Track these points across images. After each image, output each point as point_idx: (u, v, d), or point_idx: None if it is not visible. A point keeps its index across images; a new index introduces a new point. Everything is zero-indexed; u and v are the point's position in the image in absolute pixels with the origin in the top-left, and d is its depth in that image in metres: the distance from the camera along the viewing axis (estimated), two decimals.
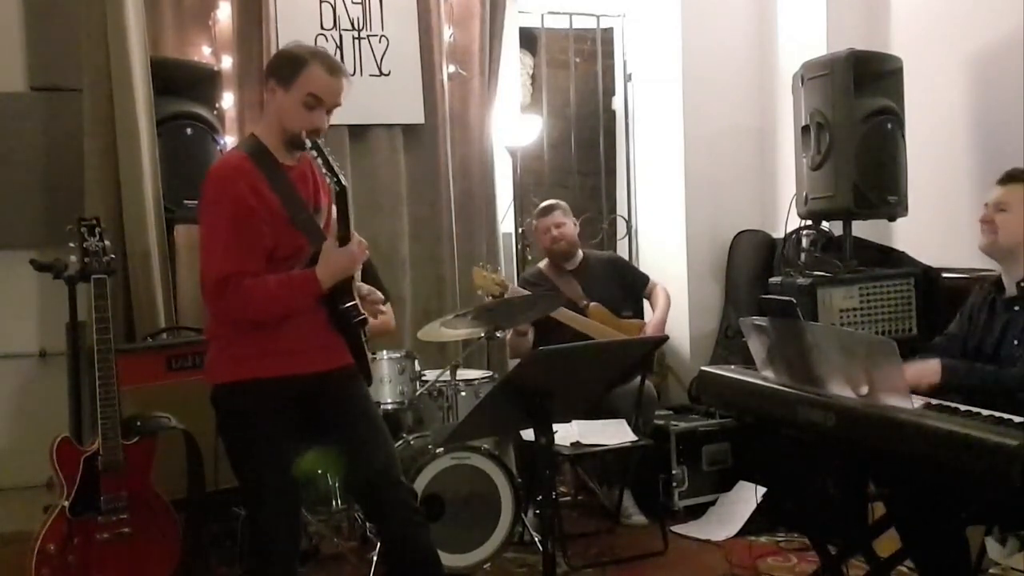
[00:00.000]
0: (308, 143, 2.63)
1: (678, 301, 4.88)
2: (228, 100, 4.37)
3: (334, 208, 2.74)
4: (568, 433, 3.95)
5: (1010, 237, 2.93)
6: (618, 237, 5.66)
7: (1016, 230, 2.91)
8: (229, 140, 4.18)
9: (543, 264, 4.76)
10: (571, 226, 4.67)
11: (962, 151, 4.36)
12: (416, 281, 4.79)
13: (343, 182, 2.62)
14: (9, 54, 4.21)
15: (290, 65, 2.70)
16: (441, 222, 4.81)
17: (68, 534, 3.21)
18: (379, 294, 2.95)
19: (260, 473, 2.70)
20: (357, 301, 2.74)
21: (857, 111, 4.11)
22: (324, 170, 2.62)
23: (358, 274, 2.84)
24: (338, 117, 4.59)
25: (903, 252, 4.41)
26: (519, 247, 5.15)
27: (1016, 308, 2.95)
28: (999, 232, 2.95)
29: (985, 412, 2.47)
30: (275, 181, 2.67)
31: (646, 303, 4.77)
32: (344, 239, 2.65)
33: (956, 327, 3.15)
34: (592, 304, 4.53)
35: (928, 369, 2.88)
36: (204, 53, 4.42)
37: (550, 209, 4.65)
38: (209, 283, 2.62)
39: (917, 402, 2.57)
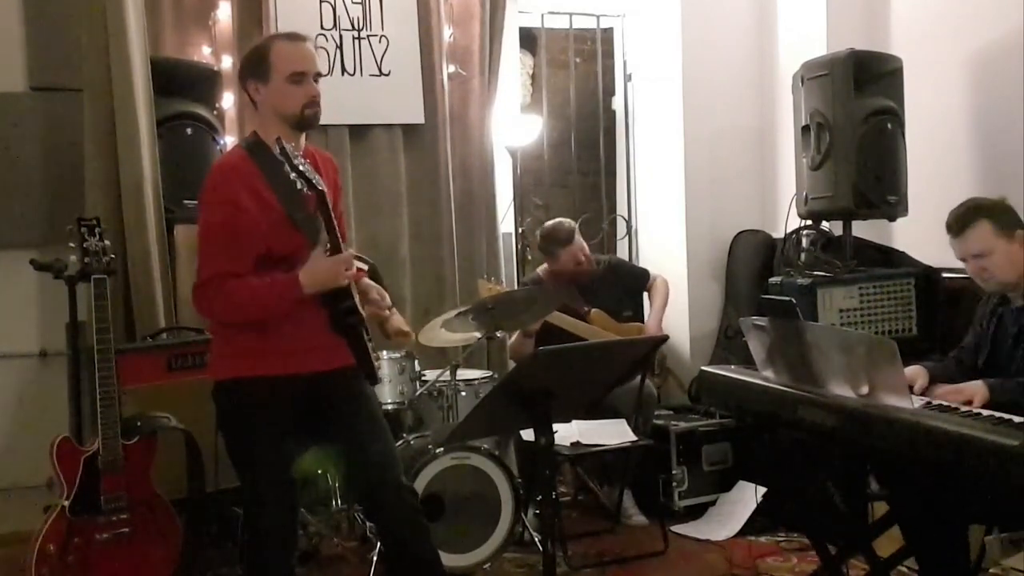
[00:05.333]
0: (276, 148, 2.57)
1: (678, 301, 4.88)
2: (228, 100, 4.37)
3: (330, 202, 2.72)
4: (568, 433, 3.95)
5: (1008, 271, 2.95)
6: (618, 237, 5.66)
7: (1006, 264, 2.94)
8: (229, 140, 4.17)
9: (542, 270, 4.75)
10: (586, 246, 4.64)
11: (962, 151, 4.35)
12: (416, 281, 4.79)
13: (319, 186, 2.57)
14: (9, 54, 4.21)
15: (257, 57, 2.73)
16: (441, 222, 4.81)
17: (68, 534, 3.21)
18: (387, 298, 2.96)
19: (258, 470, 2.70)
20: (356, 302, 2.74)
21: (857, 111, 4.10)
22: (294, 175, 2.54)
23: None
24: (338, 117, 4.65)
25: (903, 252, 4.41)
26: (519, 247, 5.15)
27: None
28: (996, 274, 2.96)
29: (985, 412, 2.47)
30: (274, 179, 2.66)
31: (647, 298, 4.77)
32: (335, 249, 2.63)
33: (971, 340, 3.15)
34: (594, 310, 4.54)
35: (975, 390, 2.82)
36: (204, 53, 4.42)
37: (571, 237, 4.53)
38: (197, 284, 2.65)
39: (917, 402, 2.57)
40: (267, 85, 2.71)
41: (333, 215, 2.66)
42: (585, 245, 4.64)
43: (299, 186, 2.55)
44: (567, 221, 4.65)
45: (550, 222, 4.67)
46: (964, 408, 2.59)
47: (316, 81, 2.72)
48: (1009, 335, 3.00)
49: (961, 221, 2.98)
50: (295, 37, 2.75)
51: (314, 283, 2.62)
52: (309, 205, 2.68)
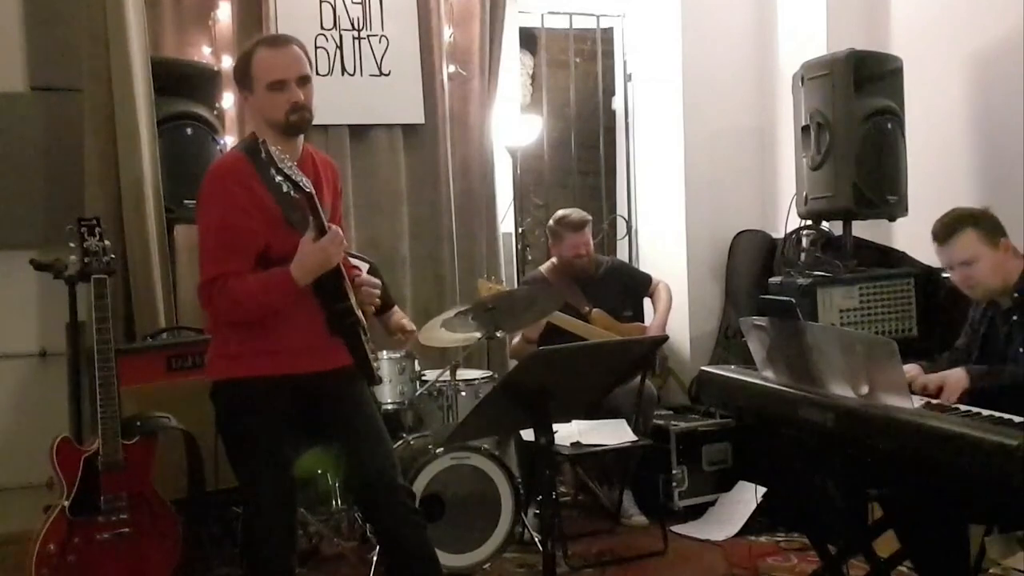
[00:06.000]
0: (262, 152, 2.55)
1: (678, 301, 4.88)
2: (228, 100, 4.36)
3: (327, 206, 2.72)
4: (568, 433, 3.95)
5: (993, 279, 3.00)
6: (618, 237, 5.66)
7: (991, 272, 2.99)
8: (229, 140, 4.18)
9: (545, 268, 4.75)
10: (592, 243, 4.67)
11: (962, 151, 4.36)
12: (416, 281, 4.79)
13: (305, 187, 2.54)
14: (9, 54, 4.21)
15: (242, 68, 2.75)
16: (441, 222, 4.81)
17: (68, 534, 3.22)
18: (377, 282, 2.95)
19: (256, 470, 2.70)
20: (353, 303, 2.74)
21: (857, 111, 4.11)
22: (280, 178, 2.53)
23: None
24: (338, 117, 4.66)
25: (903, 252, 4.41)
26: (519, 247, 5.15)
27: (1015, 318, 2.98)
28: (983, 281, 3.01)
29: (985, 412, 2.47)
30: (270, 180, 2.65)
31: (647, 302, 4.77)
32: (321, 234, 2.60)
33: (964, 341, 3.17)
34: (595, 310, 4.54)
35: (956, 376, 2.88)
36: (204, 53, 4.42)
37: (583, 225, 4.58)
38: (200, 284, 2.66)
39: (917, 402, 2.57)
40: (252, 94, 2.73)
41: (323, 211, 2.64)
42: (591, 241, 4.65)
43: (285, 189, 2.55)
44: (583, 212, 4.66)
45: (567, 208, 4.69)
46: (964, 408, 2.59)
47: (304, 84, 2.71)
48: (1000, 335, 3.02)
49: (947, 230, 3.03)
50: (277, 42, 2.75)
51: (305, 270, 2.60)
52: (303, 206, 2.68)
